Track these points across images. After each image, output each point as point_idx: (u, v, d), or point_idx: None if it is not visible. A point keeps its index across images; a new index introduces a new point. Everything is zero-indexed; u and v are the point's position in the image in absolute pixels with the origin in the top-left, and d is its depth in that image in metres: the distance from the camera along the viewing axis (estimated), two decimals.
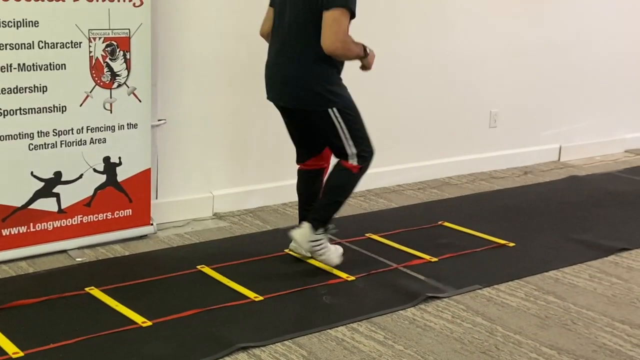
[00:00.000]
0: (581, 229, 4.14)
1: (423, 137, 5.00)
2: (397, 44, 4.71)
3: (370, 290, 3.29)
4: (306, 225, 3.39)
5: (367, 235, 3.94)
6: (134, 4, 3.51)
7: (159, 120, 3.87)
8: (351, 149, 3.33)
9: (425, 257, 3.64)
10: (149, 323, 2.86)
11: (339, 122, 3.28)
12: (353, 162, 3.35)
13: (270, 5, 3.44)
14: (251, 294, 3.16)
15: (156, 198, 3.96)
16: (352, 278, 3.38)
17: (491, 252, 3.79)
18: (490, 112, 5.28)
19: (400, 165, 4.94)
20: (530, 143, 5.56)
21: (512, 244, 3.88)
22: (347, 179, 3.38)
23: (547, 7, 5.35)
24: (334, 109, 3.27)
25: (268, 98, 3.46)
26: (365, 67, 3.44)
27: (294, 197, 4.43)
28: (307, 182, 3.58)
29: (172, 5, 3.84)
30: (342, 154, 3.37)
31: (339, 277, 3.38)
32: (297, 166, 3.61)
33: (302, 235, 3.39)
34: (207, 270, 3.41)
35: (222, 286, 3.25)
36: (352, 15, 3.17)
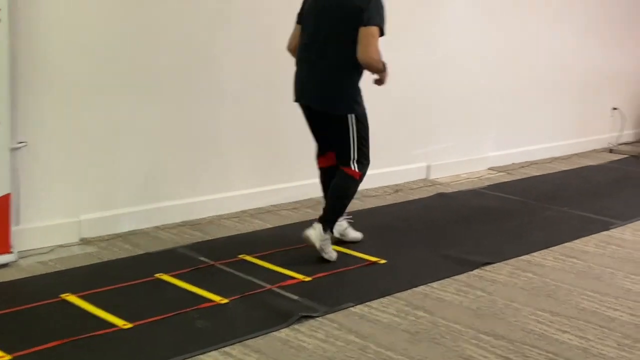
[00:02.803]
0: (448, 245, 4.28)
1: (298, 156, 5.01)
2: (285, 68, 4.73)
3: (244, 312, 3.25)
4: (319, 227, 3.84)
5: (240, 256, 3.90)
6: None
7: (19, 142, 3.68)
8: (354, 155, 3.82)
9: (299, 277, 3.64)
10: (8, 357, 2.69)
11: (353, 128, 3.79)
12: (354, 167, 3.83)
13: (298, 22, 3.94)
14: (119, 322, 3.04)
15: (17, 224, 3.75)
16: (225, 301, 3.32)
17: (364, 270, 3.85)
18: None
19: (275, 185, 4.94)
20: (400, 162, 5.70)
21: (383, 261, 3.95)
22: (351, 185, 3.89)
23: (413, 30, 5.53)
24: (353, 116, 3.78)
25: (296, 100, 3.93)
26: (381, 81, 3.89)
27: (167, 220, 4.39)
28: (330, 175, 3.99)
29: (32, 19, 3.68)
30: (344, 157, 3.84)
31: (212, 301, 3.32)
32: (317, 162, 4.12)
33: (317, 236, 3.83)
34: (72, 298, 3.25)
35: (88, 315, 3.11)
36: (382, 34, 3.71)
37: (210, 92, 4.51)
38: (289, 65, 4.47)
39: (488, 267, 3.95)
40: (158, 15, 4.22)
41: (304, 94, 3.90)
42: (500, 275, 3.86)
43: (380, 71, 3.83)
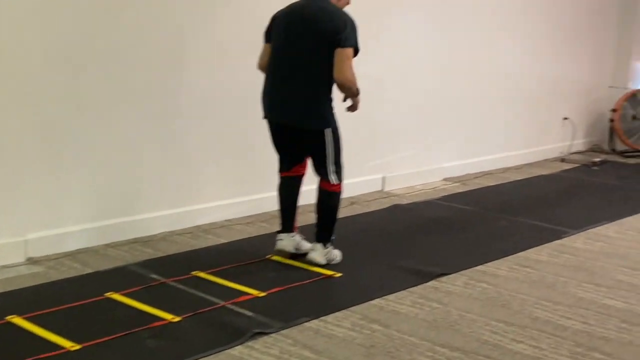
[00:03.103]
0: (404, 256, 4.27)
1: (252, 170, 4.98)
2: (224, 76, 4.68)
3: (197, 330, 3.18)
4: (318, 246, 4.02)
5: (193, 273, 3.83)
6: None
7: None
8: (332, 167, 3.94)
9: (253, 293, 3.59)
10: None
11: (329, 142, 3.90)
12: (332, 179, 3.94)
13: (267, 41, 3.99)
14: (67, 344, 2.95)
15: None
16: (178, 319, 3.25)
17: (319, 284, 3.81)
18: None
19: (229, 199, 4.88)
20: (355, 174, 5.68)
21: (339, 274, 3.92)
22: (336, 201, 4.02)
23: (367, 41, 5.52)
24: (329, 130, 3.88)
25: (265, 117, 3.99)
26: (354, 107, 4.02)
27: (117, 237, 4.29)
28: (292, 187, 4.11)
29: None
30: (323, 170, 3.95)
31: (163, 319, 3.24)
32: (280, 174, 4.14)
33: (319, 255, 4.01)
34: (17, 320, 3.15)
35: (35, 337, 3.01)
36: (356, 54, 3.83)
37: (162, 109, 4.44)
38: (243, 80, 4.45)
39: (443, 278, 3.95)
40: (115, 24, 4.14)
41: (273, 110, 3.96)
42: (456, 286, 3.86)
43: (354, 95, 3.93)
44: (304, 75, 3.85)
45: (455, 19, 6.25)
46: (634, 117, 7.85)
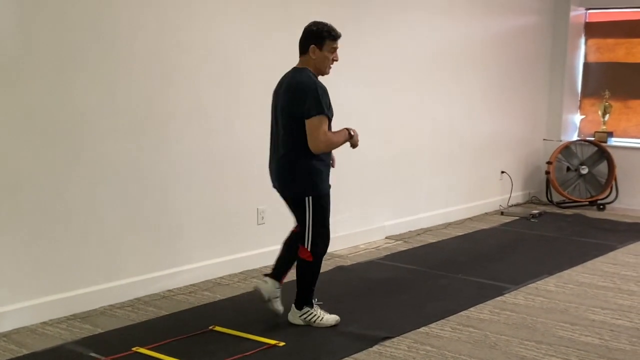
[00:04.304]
0: (348, 321, 4.25)
1: (191, 239, 4.94)
2: (172, 145, 4.68)
3: None
4: (292, 308, 4.17)
5: (134, 349, 3.75)
6: None
7: None
8: (309, 235, 4.03)
9: None
10: None
11: (309, 210, 4.00)
12: (307, 247, 4.04)
13: None
14: None
15: None
16: None
17: (262, 354, 3.76)
18: (257, 210, 5.37)
19: (169, 269, 4.82)
20: None
21: (282, 344, 3.89)
22: (305, 268, 4.11)
23: None
24: (310, 198, 3.99)
25: (273, 186, 4.16)
26: (353, 145, 4.16)
27: (54, 314, 4.18)
28: (290, 241, 4.26)
29: None
30: (301, 235, 4.05)
31: None
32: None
33: (293, 316, 4.17)
34: None
35: None
36: (329, 118, 3.94)
37: (89, 175, 4.39)
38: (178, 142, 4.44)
39: (387, 342, 3.95)
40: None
41: (271, 177, 4.18)
42: (400, 350, 3.87)
43: (344, 143, 4.09)
44: (281, 146, 4.02)
45: (394, 79, 6.39)
46: (569, 169, 8.10)
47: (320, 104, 3.90)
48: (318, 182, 4.03)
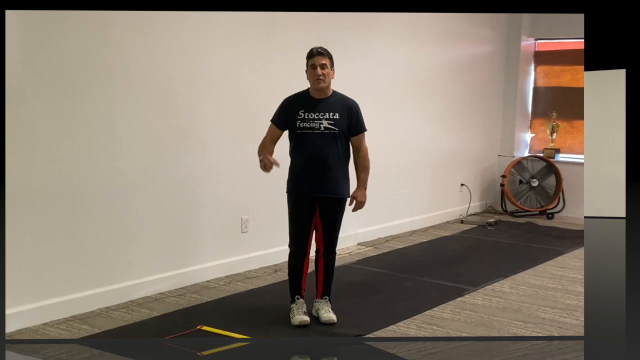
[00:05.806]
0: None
1: (181, 243, 4.97)
2: (156, 162, 4.71)
3: None
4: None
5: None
6: None
7: None
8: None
9: None
10: None
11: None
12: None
13: None
14: None
15: None
16: None
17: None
18: (242, 219, 5.42)
19: (162, 274, 4.84)
20: (277, 243, 5.72)
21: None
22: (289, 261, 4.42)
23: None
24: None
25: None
26: (262, 168, 4.21)
27: (55, 316, 4.19)
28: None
29: None
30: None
31: None
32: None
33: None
34: None
35: None
36: (275, 125, 4.23)
37: (91, 182, 4.42)
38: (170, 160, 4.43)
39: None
40: None
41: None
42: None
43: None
44: None
45: (364, 103, 6.46)
46: (521, 182, 8.27)
47: (277, 114, 4.26)
48: (289, 180, 4.28)
